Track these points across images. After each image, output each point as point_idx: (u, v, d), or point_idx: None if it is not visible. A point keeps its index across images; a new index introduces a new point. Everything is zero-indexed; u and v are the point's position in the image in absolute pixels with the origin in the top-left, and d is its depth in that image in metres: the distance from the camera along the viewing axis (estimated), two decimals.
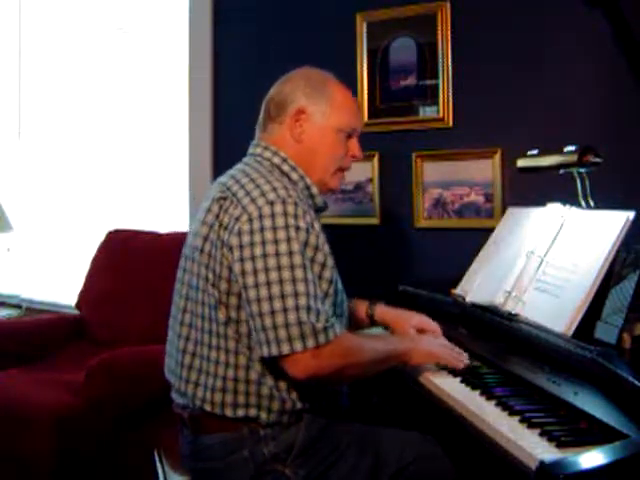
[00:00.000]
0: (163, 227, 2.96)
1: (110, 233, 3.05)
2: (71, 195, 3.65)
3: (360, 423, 1.55)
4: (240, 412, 1.41)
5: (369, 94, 2.63)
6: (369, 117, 2.63)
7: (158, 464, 1.73)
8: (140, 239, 2.92)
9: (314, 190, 1.55)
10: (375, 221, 2.63)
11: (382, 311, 1.83)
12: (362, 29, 2.64)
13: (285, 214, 1.36)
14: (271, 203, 1.37)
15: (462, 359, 1.58)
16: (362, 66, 2.64)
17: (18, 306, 3.63)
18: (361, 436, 1.50)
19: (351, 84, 2.61)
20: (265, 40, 2.86)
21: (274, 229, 1.35)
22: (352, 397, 1.70)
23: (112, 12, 3.48)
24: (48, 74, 3.72)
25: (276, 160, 1.53)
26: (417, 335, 1.70)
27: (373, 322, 1.83)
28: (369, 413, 1.71)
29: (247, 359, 1.41)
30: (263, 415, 1.42)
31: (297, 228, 1.37)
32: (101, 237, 3.06)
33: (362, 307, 1.83)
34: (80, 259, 3.31)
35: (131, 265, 2.84)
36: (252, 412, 1.41)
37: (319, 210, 1.57)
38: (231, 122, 2.89)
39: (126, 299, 2.78)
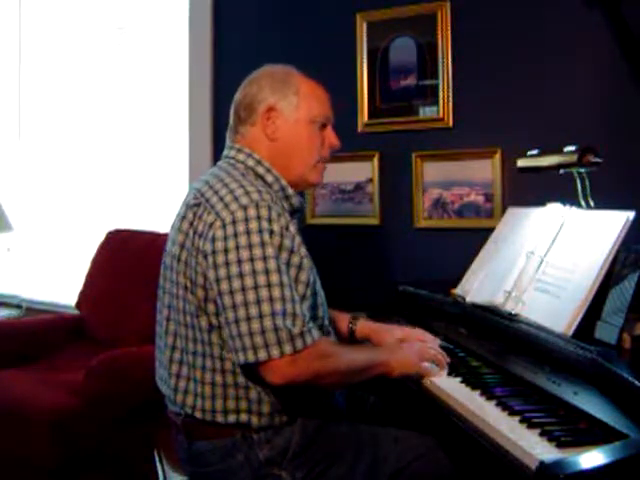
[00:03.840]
0: (163, 227, 2.97)
1: (110, 233, 3.05)
2: (71, 195, 3.65)
3: (358, 424, 1.55)
4: (231, 418, 1.41)
5: (369, 94, 2.63)
6: (369, 117, 2.64)
7: (158, 464, 1.74)
8: (140, 239, 2.92)
9: (289, 191, 1.53)
10: (375, 221, 2.63)
11: (364, 326, 1.79)
12: (362, 29, 2.64)
13: (258, 218, 1.35)
14: (244, 207, 1.36)
15: (443, 355, 1.58)
16: (362, 66, 2.64)
17: (18, 306, 3.63)
18: (359, 436, 1.50)
19: (351, 84, 2.66)
20: (265, 40, 2.86)
21: (248, 234, 1.33)
22: (349, 398, 1.69)
23: (112, 12, 3.48)
24: (48, 74, 3.73)
25: (250, 162, 1.52)
26: (398, 344, 1.65)
27: (353, 337, 1.78)
28: (367, 414, 1.71)
29: (233, 364, 1.40)
30: (254, 419, 1.41)
31: (271, 232, 1.35)
32: (101, 237, 3.06)
33: (343, 321, 1.80)
34: (80, 259, 3.31)
35: (131, 265, 2.84)
36: (243, 417, 1.41)
37: (296, 211, 1.55)
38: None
39: (126, 299, 2.77)
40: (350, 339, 1.79)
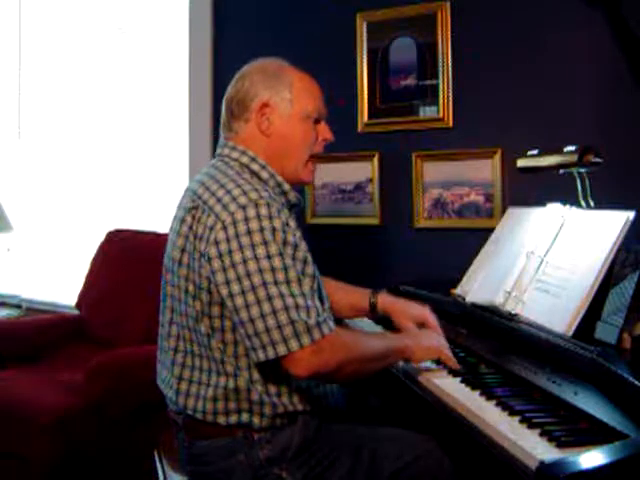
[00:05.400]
0: (163, 227, 2.97)
1: (110, 233, 3.05)
2: (71, 195, 3.65)
3: (358, 424, 1.55)
4: (232, 419, 1.41)
5: (369, 94, 2.63)
6: (369, 117, 2.64)
7: (158, 464, 1.73)
8: (140, 239, 2.92)
9: (285, 187, 1.53)
10: (375, 221, 2.63)
11: (384, 300, 1.80)
12: (362, 29, 2.64)
13: (259, 216, 1.34)
14: (243, 207, 1.35)
15: (456, 362, 1.58)
16: (362, 66, 2.64)
17: (18, 306, 3.63)
18: (359, 437, 1.50)
19: (351, 84, 2.66)
20: (265, 40, 2.85)
21: (249, 233, 1.33)
22: (349, 397, 1.70)
23: (112, 12, 3.48)
24: (48, 74, 3.73)
25: (244, 160, 1.51)
26: (416, 330, 1.68)
27: (374, 310, 1.80)
28: (367, 414, 1.71)
29: (234, 367, 1.40)
30: (256, 420, 1.41)
31: (273, 229, 1.35)
32: (101, 237, 3.06)
33: (363, 295, 1.81)
34: (80, 259, 3.31)
35: (131, 265, 2.84)
36: (244, 418, 1.41)
37: (294, 206, 1.55)
38: None
39: (126, 299, 2.78)
40: (371, 312, 1.81)
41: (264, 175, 1.51)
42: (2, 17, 3.85)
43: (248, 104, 1.53)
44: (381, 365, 1.48)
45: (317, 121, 1.58)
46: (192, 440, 1.47)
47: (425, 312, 1.74)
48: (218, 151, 1.57)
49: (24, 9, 3.80)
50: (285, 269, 1.33)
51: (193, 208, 1.43)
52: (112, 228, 3.09)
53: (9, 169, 3.89)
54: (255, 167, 1.51)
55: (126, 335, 2.65)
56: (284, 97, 1.53)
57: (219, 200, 1.39)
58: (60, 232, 3.69)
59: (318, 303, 1.37)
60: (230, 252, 1.33)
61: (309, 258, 1.42)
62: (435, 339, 1.60)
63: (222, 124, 1.59)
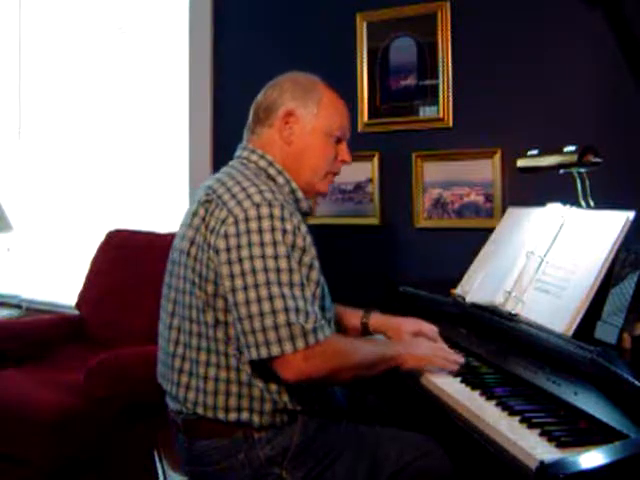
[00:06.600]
0: (163, 227, 2.97)
1: (110, 233, 3.05)
2: (71, 195, 3.65)
3: (358, 424, 1.55)
4: (232, 416, 1.41)
5: (369, 94, 2.63)
6: (369, 117, 2.64)
7: (158, 464, 1.74)
8: (140, 239, 2.92)
9: (299, 194, 1.55)
10: (375, 221, 2.63)
11: (377, 319, 1.79)
12: (362, 29, 2.64)
13: (271, 216, 1.36)
14: (257, 205, 1.37)
15: (456, 360, 1.57)
16: (362, 66, 2.64)
17: (18, 306, 3.63)
18: (359, 437, 1.50)
19: (351, 84, 2.66)
20: (265, 40, 2.86)
21: (260, 232, 1.35)
22: (349, 397, 1.70)
23: (112, 12, 3.48)
24: (48, 74, 3.73)
25: (262, 163, 1.53)
26: (410, 339, 1.67)
27: (367, 331, 1.79)
28: (367, 413, 1.71)
29: (237, 361, 1.40)
30: (256, 418, 1.41)
31: (284, 231, 1.36)
32: (101, 237, 3.06)
33: (355, 315, 1.80)
34: (80, 259, 3.31)
35: (131, 265, 2.84)
36: (244, 415, 1.41)
37: (304, 214, 1.56)
38: (231, 122, 2.88)
39: (126, 299, 2.77)
40: (363, 333, 1.79)
41: (280, 180, 1.53)
42: (2, 17, 3.85)
43: (274, 110, 1.56)
44: (372, 373, 1.48)
45: (339, 141, 1.60)
46: (192, 440, 1.47)
47: (419, 325, 1.73)
48: (237, 153, 1.60)
49: (24, 9, 3.80)
50: (290, 271, 1.34)
51: (207, 202, 1.45)
52: (112, 228, 3.09)
53: (9, 169, 3.89)
54: (272, 171, 1.53)
55: (126, 335, 2.65)
56: (310, 110, 1.56)
57: (234, 196, 1.40)
58: (60, 232, 3.69)
59: (317, 310, 1.38)
60: (239, 247, 1.34)
61: (315, 264, 1.43)
62: (428, 348, 1.59)
63: (247, 126, 1.62)
